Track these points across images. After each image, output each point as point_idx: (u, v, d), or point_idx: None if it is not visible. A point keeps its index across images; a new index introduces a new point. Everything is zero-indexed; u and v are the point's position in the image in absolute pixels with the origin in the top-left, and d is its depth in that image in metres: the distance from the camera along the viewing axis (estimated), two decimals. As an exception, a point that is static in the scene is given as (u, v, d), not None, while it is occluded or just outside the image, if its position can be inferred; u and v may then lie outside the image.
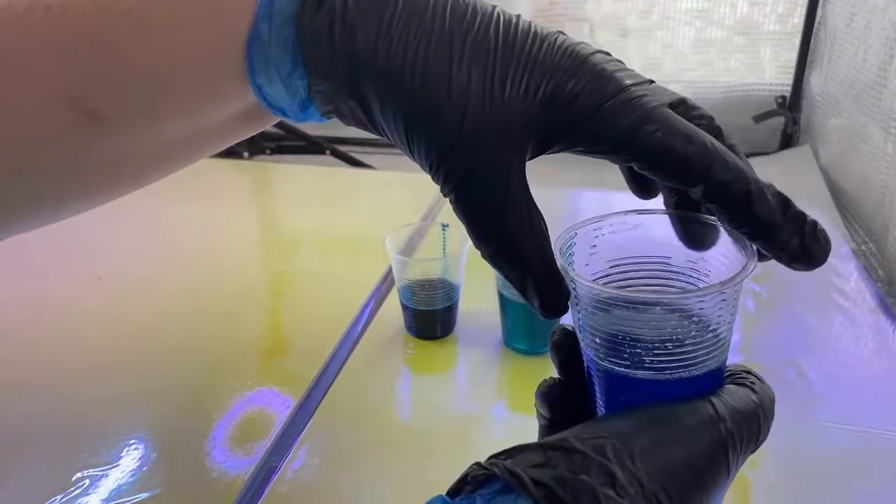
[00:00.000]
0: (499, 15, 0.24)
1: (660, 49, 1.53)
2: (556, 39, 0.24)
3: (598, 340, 0.24)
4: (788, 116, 1.40)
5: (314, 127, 1.59)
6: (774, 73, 1.45)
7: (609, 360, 0.24)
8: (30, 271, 0.77)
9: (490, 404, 0.53)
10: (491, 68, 0.23)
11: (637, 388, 0.24)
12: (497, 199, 0.23)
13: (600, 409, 0.26)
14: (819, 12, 1.31)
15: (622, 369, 0.24)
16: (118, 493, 0.45)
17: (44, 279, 0.74)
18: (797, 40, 1.36)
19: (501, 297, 0.57)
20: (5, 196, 0.26)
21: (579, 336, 0.26)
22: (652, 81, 0.24)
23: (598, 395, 0.26)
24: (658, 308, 0.23)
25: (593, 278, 0.25)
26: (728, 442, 0.23)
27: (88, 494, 0.45)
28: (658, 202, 0.29)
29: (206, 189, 0.99)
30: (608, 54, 0.24)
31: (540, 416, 0.29)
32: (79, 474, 0.46)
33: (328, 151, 1.47)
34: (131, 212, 0.91)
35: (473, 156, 0.23)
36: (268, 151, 1.56)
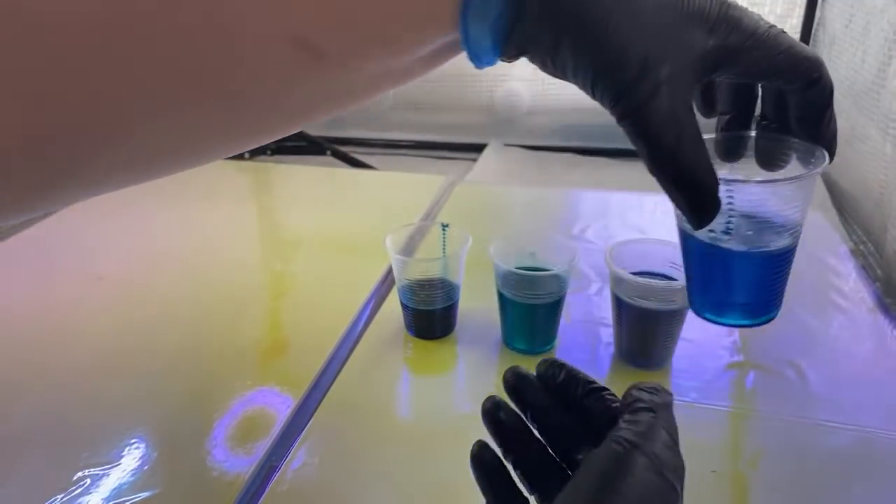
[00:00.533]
0: None
1: (659, 50, 1.53)
2: None
3: (734, 228, 0.31)
4: (787, 117, 1.41)
5: (315, 127, 1.59)
6: (773, 74, 1.45)
7: (733, 243, 0.31)
8: (31, 271, 0.77)
9: (490, 404, 0.53)
10: (665, 17, 0.27)
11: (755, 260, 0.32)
12: (673, 130, 0.27)
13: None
14: (817, 13, 1.31)
15: (742, 247, 0.31)
16: (119, 492, 0.45)
17: (45, 279, 0.74)
18: (796, 41, 1.37)
19: (501, 297, 0.58)
20: (229, 130, 0.27)
21: (704, 233, 0.32)
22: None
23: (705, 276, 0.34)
24: (789, 185, 0.30)
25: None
26: (659, 467, 0.25)
27: (89, 493, 0.45)
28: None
29: (206, 189, 1.00)
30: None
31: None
32: (80, 473, 0.46)
33: (329, 152, 1.47)
34: (132, 212, 0.91)
35: (650, 91, 0.26)
36: (268, 152, 1.56)
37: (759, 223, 0.31)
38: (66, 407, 0.54)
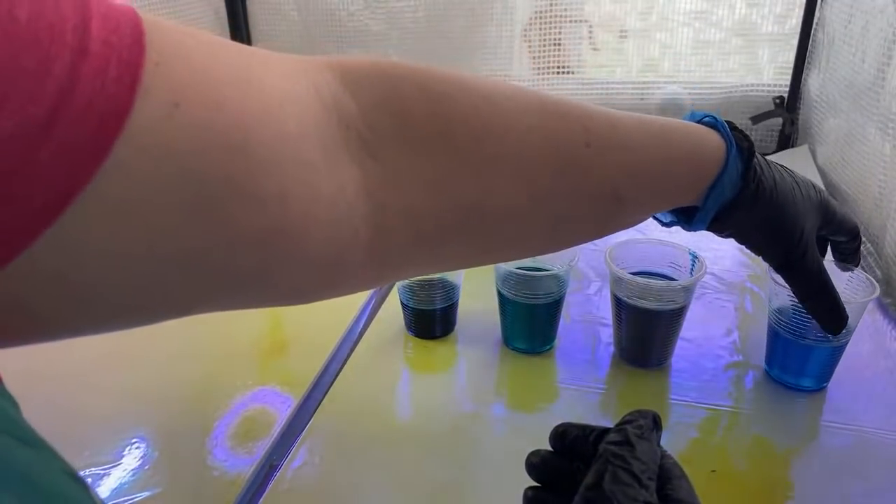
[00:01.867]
0: (793, 177, 0.44)
1: (658, 50, 1.53)
2: (808, 182, 0.46)
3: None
4: (786, 117, 1.41)
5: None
6: (773, 74, 1.45)
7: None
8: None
9: (490, 403, 0.54)
10: (804, 210, 0.43)
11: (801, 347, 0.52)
12: (816, 269, 0.45)
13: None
14: (817, 14, 1.31)
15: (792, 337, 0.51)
16: (120, 491, 0.45)
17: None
18: (795, 41, 1.37)
19: (501, 297, 0.58)
20: (542, 241, 0.39)
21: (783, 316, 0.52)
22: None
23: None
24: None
25: None
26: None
27: (90, 493, 0.45)
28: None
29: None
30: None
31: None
32: (81, 473, 0.46)
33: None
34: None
35: (804, 253, 0.44)
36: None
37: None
38: (66, 406, 0.54)
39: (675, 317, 0.54)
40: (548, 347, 0.59)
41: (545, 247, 0.40)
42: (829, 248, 0.51)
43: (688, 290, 0.53)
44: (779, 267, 0.45)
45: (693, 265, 0.55)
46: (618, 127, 0.36)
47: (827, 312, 0.46)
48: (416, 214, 0.30)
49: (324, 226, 0.26)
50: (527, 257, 0.40)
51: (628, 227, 0.41)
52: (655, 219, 0.44)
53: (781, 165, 0.44)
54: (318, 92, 0.27)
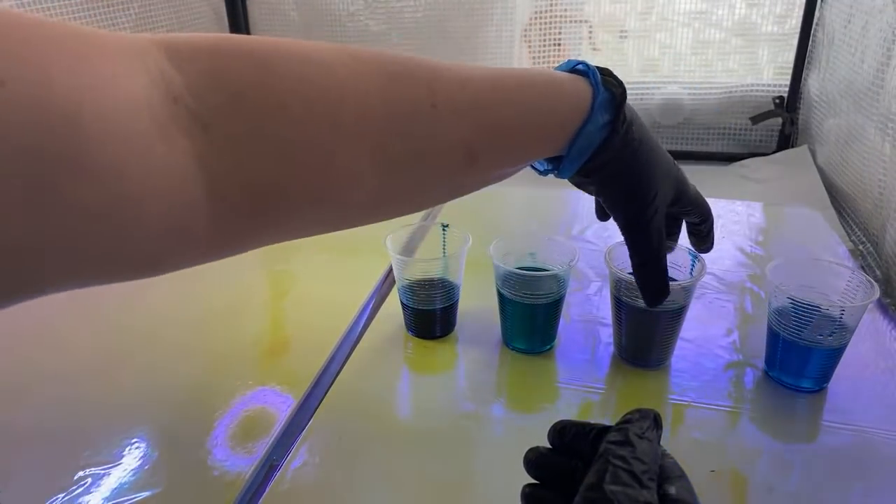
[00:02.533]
0: (663, 151, 0.45)
1: (658, 50, 1.53)
2: (672, 161, 0.46)
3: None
4: (786, 117, 1.41)
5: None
6: (772, 74, 1.45)
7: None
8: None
9: (490, 403, 0.54)
10: (664, 175, 0.44)
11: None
12: (655, 239, 0.45)
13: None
14: (817, 14, 1.31)
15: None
16: (120, 491, 0.45)
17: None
18: (795, 41, 1.37)
19: (501, 297, 0.58)
20: (403, 199, 0.38)
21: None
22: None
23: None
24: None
25: None
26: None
27: (90, 493, 0.45)
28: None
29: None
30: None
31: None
32: (81, 473, 0.46)
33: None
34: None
35: (652, 218, 0.44)
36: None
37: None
38: (66, 406, 0.54)
39: (674, 317, 0.54)
40: (548, 347, 0.59)
41: (400, 209, 0.40)
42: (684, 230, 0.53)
43: (687, 291, 0.53)
44: (626, 226, 0.45)
45: (693, 265, 0.55)
46: (467, 85, 0.36)
47: (653, 283, 0.46)
48: (254, 184, 0.30)
49: (162, 197, 0.27)
50: (382, 220, 0.40)
51: (493, 183, 0.41)
52: (532, 167, 0.44)
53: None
54: (147, 67, 0.27)
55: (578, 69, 0.41)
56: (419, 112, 0.34)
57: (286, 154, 0.30)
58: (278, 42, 0.31)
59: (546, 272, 0.56)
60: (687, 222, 0.51)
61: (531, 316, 0.57)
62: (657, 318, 0.54)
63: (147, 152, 0.26)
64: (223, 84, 0.29)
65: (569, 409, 0.52)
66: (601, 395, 0.54)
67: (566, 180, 0.45)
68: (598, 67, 0.41)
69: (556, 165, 0.42)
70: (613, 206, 0.44)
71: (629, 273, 0.53)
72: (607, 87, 0.40)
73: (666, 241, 0.47)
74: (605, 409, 0.53)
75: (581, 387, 0.55)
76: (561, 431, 0.33)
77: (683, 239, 0.53)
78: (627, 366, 0.57)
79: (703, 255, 0.54)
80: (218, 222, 0.30)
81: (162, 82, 0.27)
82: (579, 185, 0.45)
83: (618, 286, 0.54)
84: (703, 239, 0.51)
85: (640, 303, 0.53)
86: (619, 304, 0.55)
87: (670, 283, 0.53)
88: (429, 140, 0.35)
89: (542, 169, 0.44)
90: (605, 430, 0.31)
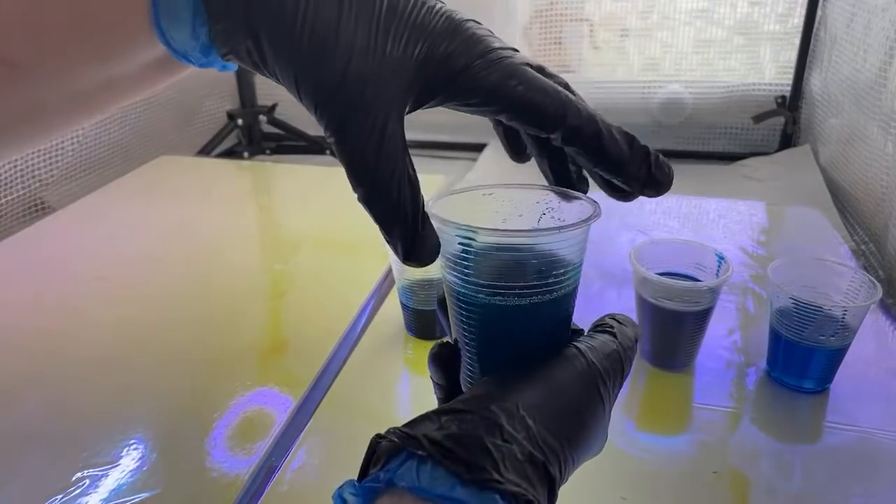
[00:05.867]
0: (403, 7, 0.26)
1: (660, 49, 1.53)
2: (434, 5, 0.26)
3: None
4: (788, 116, 1.40)
5: (315, 127, 1.59)
6: (774, 73, 1.45)
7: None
8: (32, 271, 0.77)
9: (490, 404, 0.53)
10: (375, 26, 0.25)
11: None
12: (372, 145, 0.25)
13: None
14: (819, 12, 1.30)
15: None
16: (118, 492, 0.45)
17: (46, 279, 0.74)
18: (797, 40, 1.36)
19: None
20: None
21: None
22: (516, 50, 0.27)
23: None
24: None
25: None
26: (598, 382, 0.27)
27: (88, 494, 0.45)
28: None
29: (206, 189, 0.99)
30: (479, 23, 0.27)
31: (436, 386, 0.33)
32: (79, 474, 0.46)
33: (328, 151, 1.47)
34: (132, 212, 0.91)
35: (352, 102, 0.25)
36: (268, 151, 1.56)
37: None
38: (65, 407, 0.54)
39: (700, 318, 0.53)
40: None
41: None
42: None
43: (713, 292, 0.52)
44: (317, 119, 0.26)
45: (719, 266, 0.54)
46: None
47: (382, 226, 0.27)
48: None
49: None
50: None
51: (91, 106, 0.30)
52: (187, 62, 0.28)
53: None
54: None
55: None
56: None
57: None
58: None
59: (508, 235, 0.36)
60: (528, 135, 0.31)
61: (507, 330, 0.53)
62: (682, 320, 0.53)
63: None
64: None
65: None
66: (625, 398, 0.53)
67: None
68: None
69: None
70: (293, 93, 0.26)
71: (656, 273, 0.52)
72: None
73: (405, 152, 0.26)
74: (629, 411, 0.52)
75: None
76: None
77: (706, 238, 0.53)
78: (651, 367, 0.57)
79: (728, 258, 0.53)
80: None
81: None
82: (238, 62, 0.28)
83: (643, 287, 0.54)
84: (562, 161, 0.31)
85: (666, 303, 0.53)
86: (643, 304, 0.54)
87: (694, 284, 0.53)
88: None
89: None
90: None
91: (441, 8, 0.26)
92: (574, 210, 0.29)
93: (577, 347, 0.28)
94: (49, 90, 0.27)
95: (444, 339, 0.32)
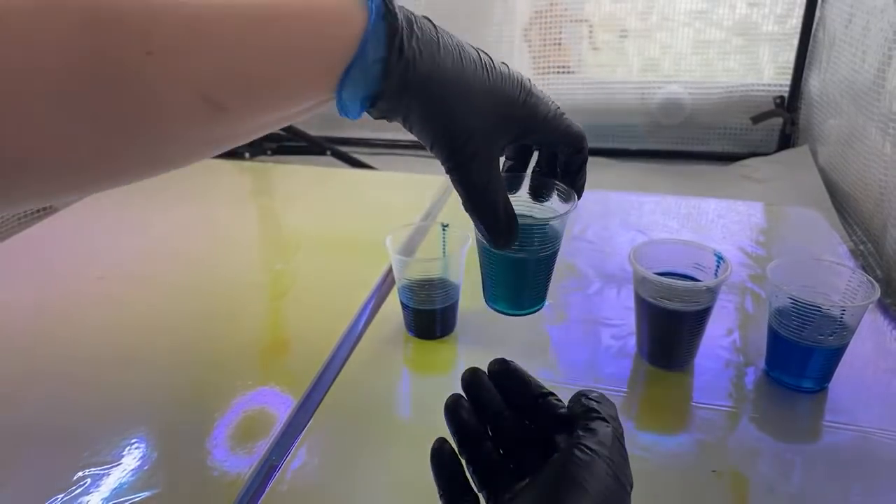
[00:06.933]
0: (487, 63, 0.37)
1: (659, 50, 1.53)
2: (515, 75, 0.38)
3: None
4: (787, 117, 1.40)
5: (315, 128, 1.59)
6: (773, 74, 1.45)
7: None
8: (34, 271, 0.77)
9: (490, 404, 0.53)
10: (485, 100, 0.37)
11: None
12: (485, 180, 0.38)
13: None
14: (817, 13, 1.31)
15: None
16: (119, 491, 0.45)
17: (46, 278, 0.74)
18: (795, 41, 1.36)
19: (485, 253, 0.53)
20: (138, 162, 0.34)
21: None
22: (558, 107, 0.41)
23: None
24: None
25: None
26: (619, 474, 0.30)
27: (90, 493, 0.45)
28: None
29: (207, 189, 1.00)
30: (535, 87, 0.40)
31: (437, 485, 0.37)
32: (80, 473, 0.46)
33: (329, 152, 1.47)
34: (132, 212, 0.91)
35: (473, 153, 0.37)
36: (269, 152, 1.56)
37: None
38: (66, 407, 0.54)
39: (699, 318, 0.53)
40: (536, 308, 0.56)
41: (137, 172, 0.35)
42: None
43: (712, 292, 0.53)
44: (444, 167, 0.38)
45: (718, 266, 0.54)
46: (197, 26, 0.31)
47: (487, 227, 0.40)
48: None
49: None
50: (123, 184, 0.35)
51: (266, 131, 0.37)
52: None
53: (481, 51, 0.38)
54: None
55: None
56: (130, 61, 0.30)
57: None
58: None
59: (539, 221, 0.46)
60: (560, 156, 0.43)
61: (519, 271, 0.53)
62: (681, 319, 0.53)
63: None
64: None
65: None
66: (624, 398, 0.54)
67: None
68: None
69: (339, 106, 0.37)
70: (428, 147, 0.38)
71: (655, 273, 0.52)
72: (383, 15, 0.34)
73: (500, 177, 0.39)
74: (628, 411, 0.52)
75: (580, 387, 0.54)
76: (512, 372, 0.37)
77: (705, 238, 0.53)
78: (650, 367, 0.57)
79: (727, 258, 0.53)
80: None
81: None
82: (388, 119, 0.39)
83: (642, 286, 0.54)
84: (573, 175, 0.43)
85: (665, 303, 0.53)
86: (643, 304, 0.55)
87: (693, 284, 0.53)
88: (149, 92, 0.30)
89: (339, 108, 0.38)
90: (545, 395, 0.36)
91: (521, 78, 0.38)
92: (558, 200, 0.44)
93: (589, 448, 0.30)
94: (242, 126, 0.35)
95: (444, 441, 0.38)
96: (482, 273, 0.51)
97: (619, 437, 0.32)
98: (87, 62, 0.29)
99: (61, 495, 0.45)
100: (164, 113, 0.32)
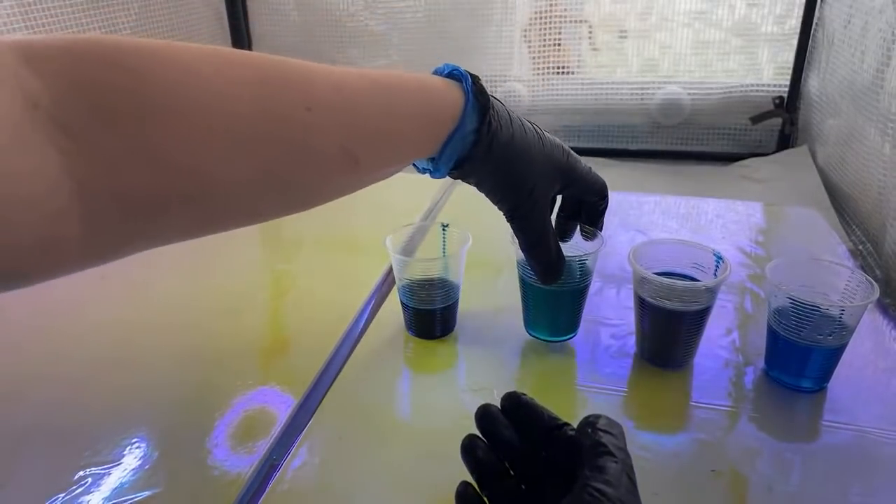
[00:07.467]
0: (539, 132, 0.47)
1: (658, 50, 1.53)
2: (556, 142, 0.48)
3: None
4: (786, 117, 1.41)
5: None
6: (772, 75, 1.45)
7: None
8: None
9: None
10: (541, 161, 0.46)
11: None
12: (541, 227, 0.48)
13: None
14: (816, 14, 1.31)
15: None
16: (120, 491, 0.45)
17: (45, 279, 0.74)
18: (795, 42, 1.37)
19: (523, 284, 0.57)
20: (278, 203, 0.39)
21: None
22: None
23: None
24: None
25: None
26: None
27: (90, 493, 0.45)
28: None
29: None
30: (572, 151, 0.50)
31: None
32: (81, 472, 0.47)
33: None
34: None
35: (532, 205, 0.47)
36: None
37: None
38: (67, 406, 0.54)
39: (698, 318, 0.53)
40: (571, 335, 0.59)
41: (282, 210, 0.40)
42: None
43: (712, 291, 0.53)
44: (508, 216, 0.48)
45: (717, 266, 0.54)
46: (342, 89, 0.37)
47: (542, 265, 0.50)
48: (126, 191, 0.30)
49: (26, 207, 0.27)
50: (266, 220, 0.41)
51: (378, 181, 0.43)
52: (413, 165, 0.46)
53: (535, 125, 0.47)
54: (1, 75, 0.27)
55: (454, 75, 0.43)
56: (294, 116, 0.34)
57: (157, 161, 0.30)
58: (142, 44, 0.31)
59: (572, 256, 0.54)
60: (584, 202, 0.54)
61: (555, 303, 0.57)
62: (681, 319, 0.53)
63: (5, 162, 0.25)
64: (84, 88, 0.28)
65: (571, 409, 0.52)
66: (615, 397, 0.54)
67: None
68: (469, 73, 0.43)
69: (433, 166, 0.45)
70: (493, 200, 0.47)
71: (654, 273, 0.53)
72: (475, 94, 0.42)
73: (552, 223, 0.50)
74: (627, 411, 0.52)
75: (580, 386, 0.55)
76: (524, 405, 0.38)
77: (704, 238, 0.53)
78: (650, 366, 0.57)
79: (726, 257, 0.54)
80: (90, 230, 0.30)
81: (19, 88, 0.27)
82: (462, 179, 0.47)
83: (641, 286, 0.54)
84: (595, 218, 0.54)
85: (665, 303, 0.53)
86: (642, 304, 0.55)
87: (693, 283, 0.54)
88: (305, 144, 0.35)
89: (421, 167, 0.46)
90: (558, 427, 0.35)
91: (562, 143, 0.49)
92: (590, 241, 0.56)
93: (597, 490, 0.30)
94: (362, 179, 0.42)
95: (468, 484, 0.38)
96: (523, 304, 0.60)
97: (627, 471, 0.31)
98: (259, 115, 0.33)
99: (62, 494, 0.45)
100: (314, 161, 0.36)
